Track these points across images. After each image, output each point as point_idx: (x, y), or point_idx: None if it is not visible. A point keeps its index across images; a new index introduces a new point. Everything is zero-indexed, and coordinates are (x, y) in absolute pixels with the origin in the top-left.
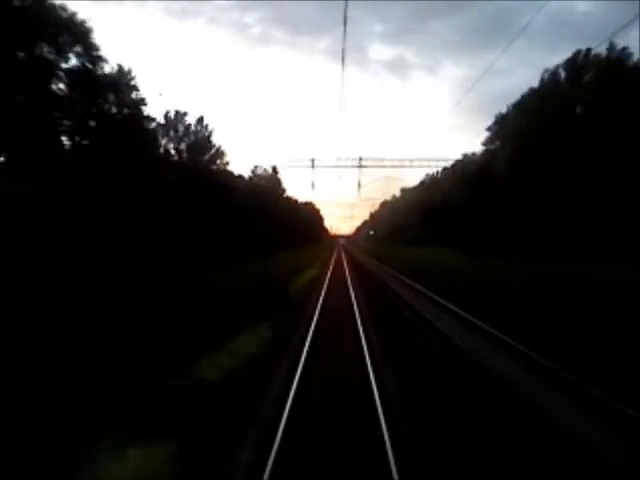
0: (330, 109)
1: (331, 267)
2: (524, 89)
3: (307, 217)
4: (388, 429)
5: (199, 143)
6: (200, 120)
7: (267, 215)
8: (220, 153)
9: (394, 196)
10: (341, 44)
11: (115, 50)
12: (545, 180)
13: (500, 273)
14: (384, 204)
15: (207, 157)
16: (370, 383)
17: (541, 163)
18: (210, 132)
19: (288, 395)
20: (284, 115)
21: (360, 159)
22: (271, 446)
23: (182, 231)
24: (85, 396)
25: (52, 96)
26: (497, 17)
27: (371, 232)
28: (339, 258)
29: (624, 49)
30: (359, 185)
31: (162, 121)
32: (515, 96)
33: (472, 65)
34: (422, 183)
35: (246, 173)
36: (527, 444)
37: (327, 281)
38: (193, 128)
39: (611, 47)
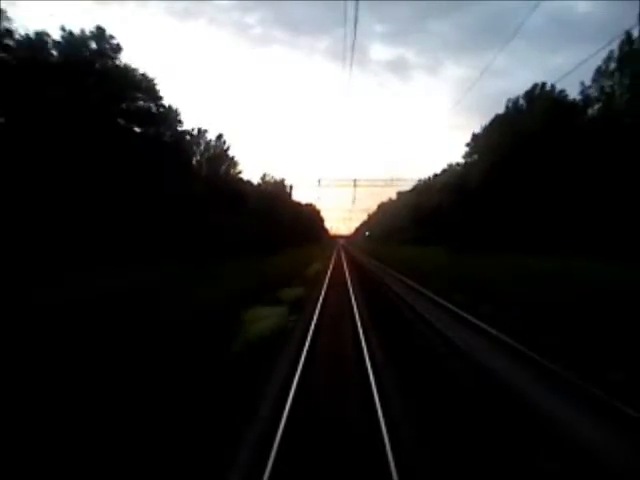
0: (330, 108)
1: (331, 265)
2: (524, 90)
3: (309, 219)
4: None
5: (218, 156)
6: (219, 137)
7: (274, 218)
8: (234, 163)
9: (390, 199)
10: (342, 44)
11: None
12: (509, 189)
13: (480, 268)
14: (381, 206)
15: (224, 167)
16: (350, 295)
17: (506, 176)
18: (228, 147)
19: (319, 301)
20: (285, 114)
21: (354, 180)
22: (316, 307)
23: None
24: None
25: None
26: (499, 18)
27: (367, 233)
28: (339, 258)
29: (561, 92)
30: (354, 200)
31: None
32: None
33: (473, 65)
34: (415, 188)
35: (255, 178)
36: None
37: (329, 272)
38: (213, 143)
39: (552, 88)
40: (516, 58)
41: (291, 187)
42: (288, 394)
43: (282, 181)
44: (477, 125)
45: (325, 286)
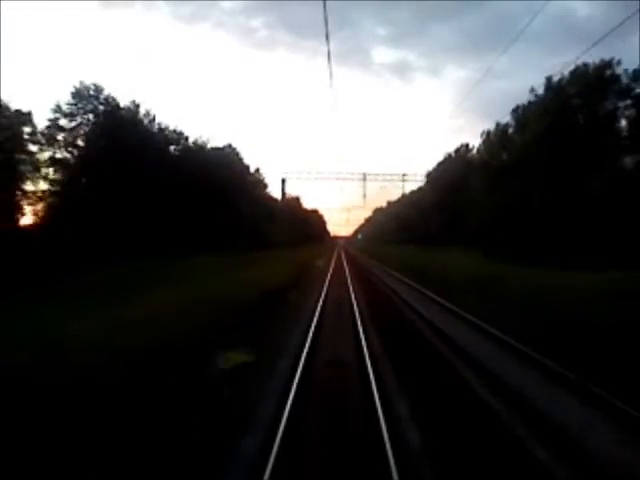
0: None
1: (335, 255)
2: (525, 91)
3: (314, 223)
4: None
5: (257, 183)
6: (257, 170)
7: (294, 225)
8: (265, 186)
9: (381, 207)
10: (345, 46)
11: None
12: (444, 211)
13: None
14: (376, 211)
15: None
16: (342, 260)
17: (441, 203)
18: (264, 178)
19: (332, 260)
20: (288, 115)
21: (348, 209)
22: (331, 263)
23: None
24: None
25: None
26: (502, 20)
27: (359, 236)
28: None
29: (467, 145)
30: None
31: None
32: (515, 98)
33: (476, 68)
34: (398, 200)
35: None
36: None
37: (334, 258)
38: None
39: (467, 146)
40: (518, 60)
41: (322, 216)
42: (330, 266)
43: (298, 198)
44: (477, 126)
45: (333, 260)
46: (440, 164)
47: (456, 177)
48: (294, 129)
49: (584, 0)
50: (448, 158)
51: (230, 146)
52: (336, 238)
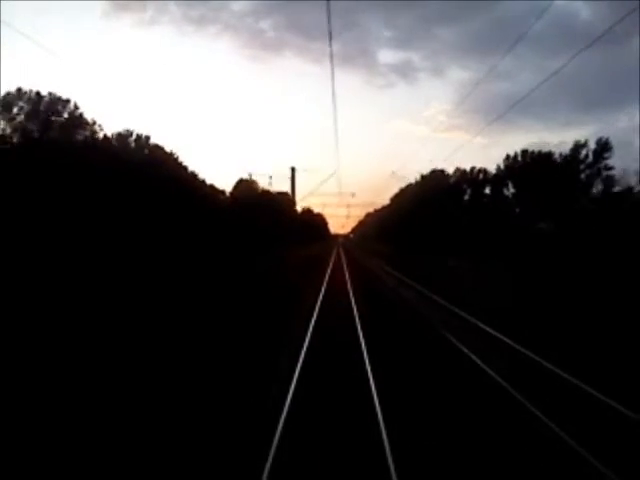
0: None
1: (336, 246)
2: (525, 91)
3: (319, 225)
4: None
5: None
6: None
7: (307, 227)
8: (293, 203)
9: (370, 212)
10: (351, 48)
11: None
12: (404, 224)
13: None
14: (368, 215)
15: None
16: (339, 248)
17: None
18: (295, 201)
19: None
20: (294, 116)
21: (347, 217)
22: (334, 249)
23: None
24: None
25: None
26: (505, 22)
27: (351, 235)
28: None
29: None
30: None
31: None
32: (516, 98)
33: (479, 69)
34: (382, 209)
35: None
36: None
37: (337, 247)
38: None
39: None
40: (520, 61)
41: (324, 217)
42: (334, 249)
43: (310, 208)
44: (480, 126)
45: (336, 249)
46: (396, 195)
47: (398, 206)
48: (297, 130)
49: (587, 0)
50: (408, 186)
51: (286, 193)
52: (337, 236)
